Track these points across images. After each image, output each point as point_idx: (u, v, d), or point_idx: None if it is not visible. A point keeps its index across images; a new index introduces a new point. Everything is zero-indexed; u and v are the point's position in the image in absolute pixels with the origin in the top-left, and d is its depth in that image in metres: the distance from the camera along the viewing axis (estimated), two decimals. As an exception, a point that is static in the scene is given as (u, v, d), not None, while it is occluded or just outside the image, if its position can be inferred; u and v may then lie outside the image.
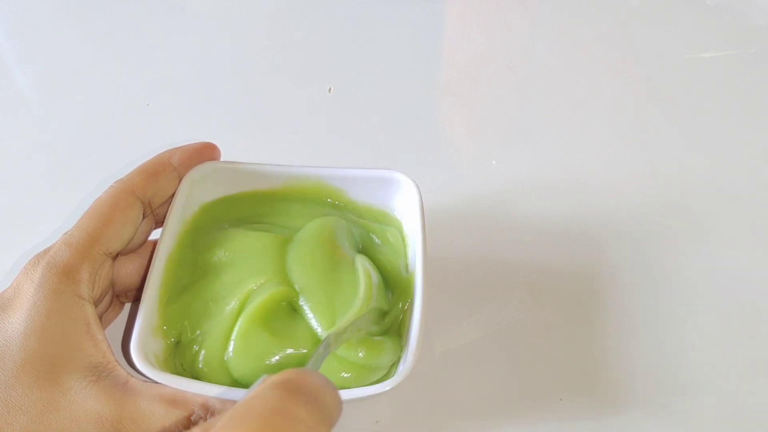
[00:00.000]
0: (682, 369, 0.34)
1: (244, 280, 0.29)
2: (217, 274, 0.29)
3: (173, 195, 0.31)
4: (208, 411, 0.25)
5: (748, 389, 0.34)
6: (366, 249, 0.33)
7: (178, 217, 0.30)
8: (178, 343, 0.28)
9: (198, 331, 0.28)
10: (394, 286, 0.31)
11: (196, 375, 0.27)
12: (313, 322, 0.28)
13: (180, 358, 0.28)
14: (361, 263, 0.30)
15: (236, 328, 0.27)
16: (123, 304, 0.33)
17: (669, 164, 0.45)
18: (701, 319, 0.36)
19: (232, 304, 0.28)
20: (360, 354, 0.27)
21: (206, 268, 0.30)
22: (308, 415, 0.19)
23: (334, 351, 0.26)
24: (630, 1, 0.61)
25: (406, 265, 0.32)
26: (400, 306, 0.30)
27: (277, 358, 0.27)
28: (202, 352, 0.27)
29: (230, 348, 0.27)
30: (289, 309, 0.29)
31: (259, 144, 0.47)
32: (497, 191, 0.43)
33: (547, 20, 0.59)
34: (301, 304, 0.28)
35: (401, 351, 0.28)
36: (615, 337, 0.35)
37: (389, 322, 0.30)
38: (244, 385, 0.26)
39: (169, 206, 0.30)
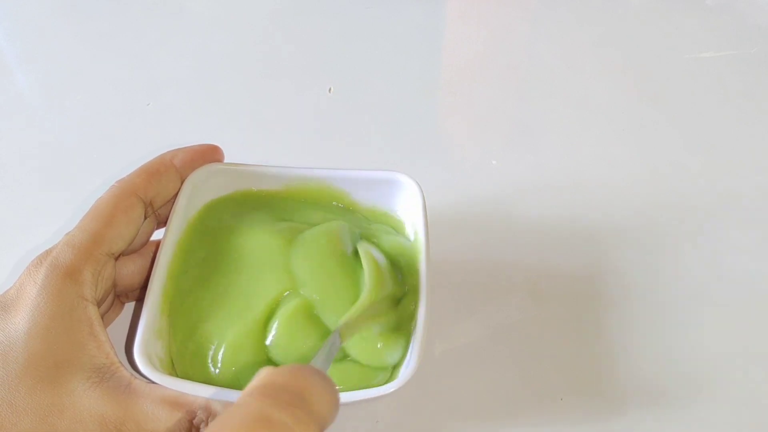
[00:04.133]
0: (683, 369, 0.34)
1: (254, 281, 0.29)
2: (223, 275, 0.29)
3: (175, 196, 0.31)
4: (210, 413, 0.25)
5: (750, 389, 0.34)
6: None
7: (181, 217, 0.30)
8: (184, 345, 0.28)
9: (211, 336, 0.28)
10: (406, 274, 0.31)
11: (209, 378, 0.27)
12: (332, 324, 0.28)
13: (188, 360, 0.28)
14: (364, 249, 0.29)
15: (271, 336, 0.27)
16: (123, 304, 0.33)
17: (669, 164, 0.45)
18: (701, 319, 0.37)
19: (255, 310, 0.28)
20: (378, 345, 0.27)
21: (210, 269, 0.30)
22: (292, 417, 0.18)
23: (345, 342, 0.26)
24: (630, 1, 0.61)
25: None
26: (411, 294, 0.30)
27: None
28: (220, 355, 0.27)
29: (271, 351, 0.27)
30: (308, 313, 0.28)
31: (259, 144, 0.47)
32: (498, 191, 0.43)
33: (547, 20, 0.59)
34: (318, 310, 0.28)
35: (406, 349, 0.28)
36: (615, 337, 0.35)
37: (405, 308, 0.29)
38: None
39: (170, 207, 0.30)
